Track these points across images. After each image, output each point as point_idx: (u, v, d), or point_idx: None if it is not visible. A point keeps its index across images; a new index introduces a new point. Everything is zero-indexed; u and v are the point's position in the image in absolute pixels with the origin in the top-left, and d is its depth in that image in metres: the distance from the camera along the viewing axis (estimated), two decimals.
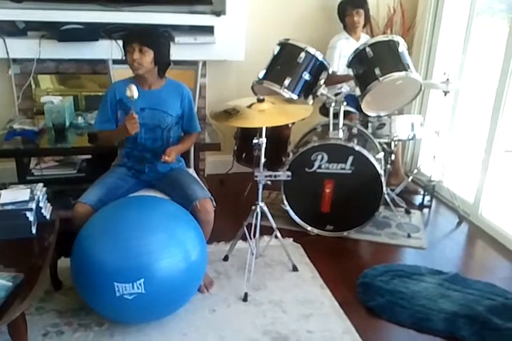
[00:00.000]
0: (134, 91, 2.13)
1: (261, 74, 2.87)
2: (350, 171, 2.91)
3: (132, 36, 2.27)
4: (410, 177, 3.53)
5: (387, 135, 3.18)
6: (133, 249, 1.93)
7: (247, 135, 3.09)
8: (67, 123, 2.99)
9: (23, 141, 2.82)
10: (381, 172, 2.89)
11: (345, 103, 2.97)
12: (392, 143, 3.24)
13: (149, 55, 2.25)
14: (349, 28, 3.53)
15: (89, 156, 3.26)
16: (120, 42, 3.01)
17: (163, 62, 2.33)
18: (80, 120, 3.07)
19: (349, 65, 2.94)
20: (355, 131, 3.12)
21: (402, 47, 2.84)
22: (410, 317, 2.29)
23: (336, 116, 2.97)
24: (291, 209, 3.02)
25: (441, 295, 2.44)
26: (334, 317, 2.30)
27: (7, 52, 3.10)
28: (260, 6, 3.62)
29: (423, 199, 3.54)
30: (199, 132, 2.57)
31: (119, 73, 2.78)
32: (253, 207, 2.57)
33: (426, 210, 3.51)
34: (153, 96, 2.34)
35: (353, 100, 3.13)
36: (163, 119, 2.37)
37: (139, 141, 2.37)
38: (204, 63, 3.52)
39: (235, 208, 2.95)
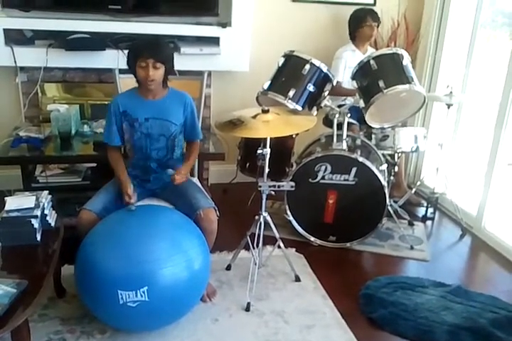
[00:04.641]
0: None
1: (266, 85, 2.90)
2: (353, 182, 2.91)
3: (147, 51, 2.20)
4: (413, 189, 3.53)
5: (390, 147, 3.18)
6: (137, 256, 1.94)
7: (250, 145, 3.11)
8: (73, 132, 3.01)
9: (29, 149, 2.84)
10: (384, 183, 2.90)
11: (349, 115, 2.99)
12: (396, 155, 3.25)
13: (161, 70, 2.24)
14: (360, 40, 3.52)
15: (94, 164, 3.27)
16: (127, 51, 3.05)
17: (170, 74, 2.34)
18: (86, 128, 3.10)
19: (353, 77, 2.96)
20: (358, 142, 3.14)
21: (406, 60, 2.86)
22: (413, 329, 2.29)
23: (339, 127, 2.99)
24: (295, 219, 3.03)
25: (444, 307, 2.43)
26: (336, 328, 2.29)
27: (15, 61, 3.13)
28: (265, 18, 3.66)
29: (426, 211, 3.54)
30: (201, 140, 2.58)
31: (126, 82, 2.80)
32: (256, 217, 2.57)
33: (429, 222, 3.51)
34: (156, 106, 2.35)
35: (356, 112, 3.15)
36: (167, 128, 2.38)
37: (145, 151, 2.38)
38: (209, 74, 3.54)
39: (238, 218, 2.96)
